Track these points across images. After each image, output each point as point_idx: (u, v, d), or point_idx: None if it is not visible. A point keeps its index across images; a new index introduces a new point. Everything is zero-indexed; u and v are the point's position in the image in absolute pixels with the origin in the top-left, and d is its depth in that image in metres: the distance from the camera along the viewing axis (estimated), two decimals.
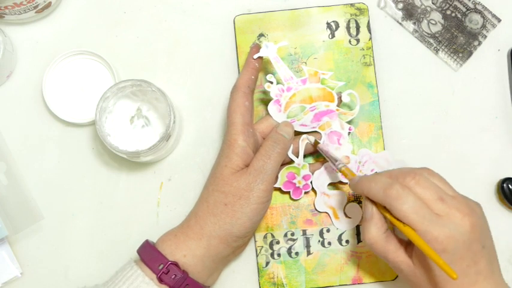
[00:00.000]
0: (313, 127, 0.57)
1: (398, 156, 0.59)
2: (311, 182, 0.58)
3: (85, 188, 0.60)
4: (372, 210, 0.49)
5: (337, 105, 0.57)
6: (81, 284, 0.58)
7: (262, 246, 0.59)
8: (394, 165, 0.58)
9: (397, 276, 0.58)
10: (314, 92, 0.57)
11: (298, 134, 0.57)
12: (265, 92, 0.58)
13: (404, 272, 0.49)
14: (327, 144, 0.57)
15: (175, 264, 0.50)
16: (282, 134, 0.54)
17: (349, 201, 0.59)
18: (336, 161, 0.55)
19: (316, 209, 0.59)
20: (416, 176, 0.47)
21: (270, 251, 0.59)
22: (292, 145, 0.56)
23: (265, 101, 0.59)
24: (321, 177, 0.58)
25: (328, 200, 0.58)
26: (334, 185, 0.59)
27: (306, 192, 0.58)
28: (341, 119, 0.58)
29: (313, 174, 0.58)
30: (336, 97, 0.57)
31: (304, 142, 0.57)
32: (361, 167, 0.58)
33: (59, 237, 0.59)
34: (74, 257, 0.59)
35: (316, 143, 0.57)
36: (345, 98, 0.57)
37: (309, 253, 0.59)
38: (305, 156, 0.58)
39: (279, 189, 0.58)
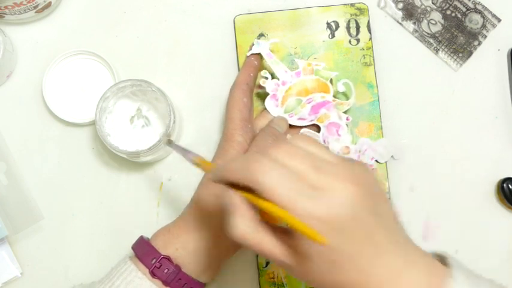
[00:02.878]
0: (311, 120, 0.57)
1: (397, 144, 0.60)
2: None
3: (85, 188, 0.60)
4: (235, 200, 0.38)
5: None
6: None
7: None
8: (393, 152, 0.59)
9: None
10: (309, 83, 0.57)
11: (297, 127, 0.57)
12: (262, 88, 0.58)
13: (289, 264, 0.39)
14: (325, 135, 0.57)
15: (168, 258, 0.50)
16: (275, 127, 0.55)
17: None
18: (189, 152, 0.47)
19: None
20: (281, 145, 0.38)
21: None
22: None
23: (263, 97, 0.59)
24: None
25: None
26: None
27: None
28: (338, 110, 0.58)
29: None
30: (330, 87, 0.57)
31: None
32: (361, 156, 0.58)
33: (59, 237, 0.59)
34: (74, 257, 0.59)
35: (169, 141, 0.52)
36: (340, 88, 0.57)
37: None
38: None
39: None
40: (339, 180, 0.37)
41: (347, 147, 0.58)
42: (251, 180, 0.37)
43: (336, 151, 0.58)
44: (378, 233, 0.38)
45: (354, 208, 0.37)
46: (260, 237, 0.38)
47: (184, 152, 0.47)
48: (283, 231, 0.39)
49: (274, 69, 0.57)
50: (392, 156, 0.59)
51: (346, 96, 0.59)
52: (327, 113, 0.57)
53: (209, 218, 0.51)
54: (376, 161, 0.59)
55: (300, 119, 0.57)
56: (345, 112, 0.58)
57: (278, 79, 0.57)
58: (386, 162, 0.59)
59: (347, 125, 0.58)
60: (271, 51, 0.58)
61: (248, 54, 0.57)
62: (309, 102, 0.57)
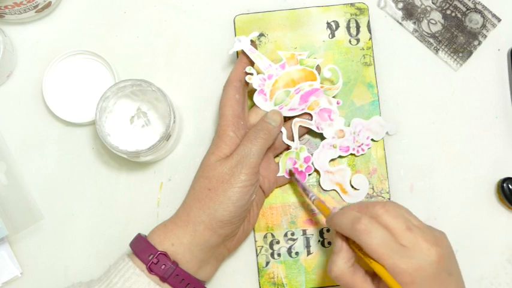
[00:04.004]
0: (302, 109, 0.57)
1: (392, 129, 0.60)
2: (312, 163, 0.58)
3: (85, 188, 0.60)
4: (341, 244, 0.48)
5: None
6: None
7: (262, 246, 0.59)
8: (387, 128, 0.59)
9: None
10: (295, 74, 0.57)
11: (290, 119, 0.57)
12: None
13: None
14: (317, 121, 0.57)
15: (165, 254, 0.50)
16: (268, 122, 0.55)
17: (353, 174, 0.59)
18: (309, 192, 0.55)
19: (323, 189, 0.59)
20: (386, 205, 0.47)
21: (270, 251, 0.59)
22: (286, 131, 0.57)
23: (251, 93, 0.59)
24: (321, 156, 0.58)
25: (333, 177, 0.58)
26: (335, 160, 0.59)
27: (309, 174, 0.59)
28: (327, 95, 0.58)
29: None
30: (317, 74, 0.57)
31: (296, 125, 0.57)
32: (356, 137, 0.58)
33: (59, 237, 0.59)
34: (74, 257, 0.59)
35: (291, 173, 0.58)
36: (326, 74, 0.57)
37: (309, 253, 0.59)
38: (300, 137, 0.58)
39: (280, 188, 0.59)
40: (426, 242, 0.45)
41: (341, 130, 0.58)
42: (356, 237, 0.46)
43: (330, 136, 0.58)
44: None
45: (434, 266, 0.45)
46: (354, 278, 0.47)
47: (305, 190, 0.56)
48: (372, 275, 0.48)
49: (258, 64, 0.56)
50: (387, 132, 0.59)
51: (332, 82, 0.58)
52: (316, 100, 0.57)
53: (202, 211, 0.52)
54: (372, 139, 0.59)
55: (290, 109, 0.57)
56: (334, 97, 0.58)
57: (263, 73, 0.57)
58: (384, 144, 0.59)
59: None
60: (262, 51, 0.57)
61: (230, 52, 0.56)
62: (298, 92, 0.57)
